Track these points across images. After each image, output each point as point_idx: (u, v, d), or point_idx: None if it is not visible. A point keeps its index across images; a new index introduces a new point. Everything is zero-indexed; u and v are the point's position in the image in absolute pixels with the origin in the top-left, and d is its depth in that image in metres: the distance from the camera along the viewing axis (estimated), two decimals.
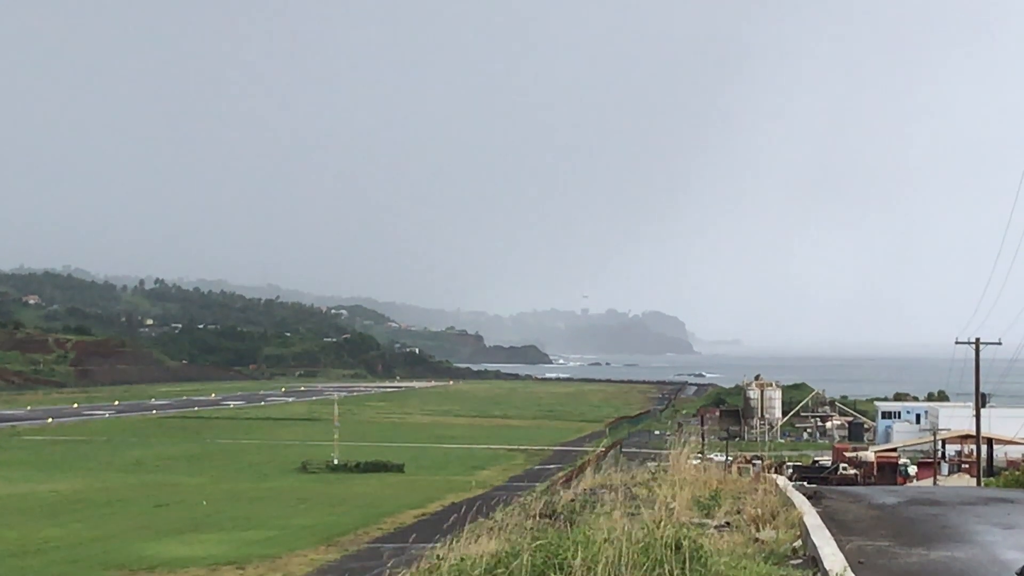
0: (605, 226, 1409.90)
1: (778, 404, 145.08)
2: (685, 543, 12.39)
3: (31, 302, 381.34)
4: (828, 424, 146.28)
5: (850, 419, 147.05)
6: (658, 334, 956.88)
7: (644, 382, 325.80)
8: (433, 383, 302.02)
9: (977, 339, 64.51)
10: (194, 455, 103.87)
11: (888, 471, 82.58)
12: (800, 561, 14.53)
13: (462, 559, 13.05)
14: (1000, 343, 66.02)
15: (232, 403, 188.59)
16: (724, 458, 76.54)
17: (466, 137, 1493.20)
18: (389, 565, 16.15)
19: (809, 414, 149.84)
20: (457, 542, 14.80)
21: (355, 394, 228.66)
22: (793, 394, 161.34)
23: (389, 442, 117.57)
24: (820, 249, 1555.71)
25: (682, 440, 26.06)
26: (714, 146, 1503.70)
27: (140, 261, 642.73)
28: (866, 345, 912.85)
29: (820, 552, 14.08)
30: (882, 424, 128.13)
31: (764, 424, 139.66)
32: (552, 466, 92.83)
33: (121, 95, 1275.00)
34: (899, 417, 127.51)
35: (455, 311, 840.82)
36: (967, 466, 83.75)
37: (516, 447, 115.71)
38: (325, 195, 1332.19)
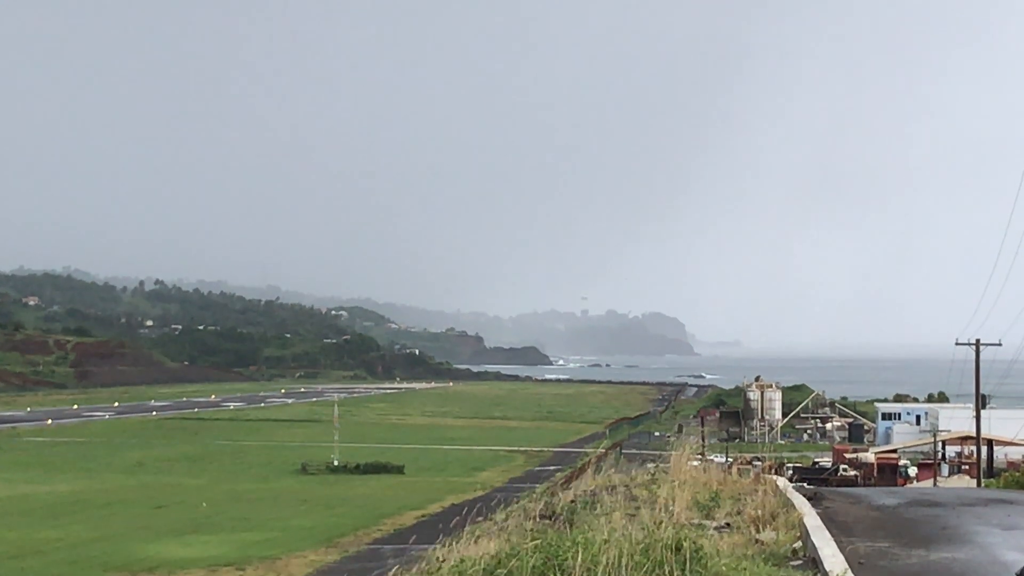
0: (605, 227, 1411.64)
1: (778, 405, 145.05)
2: (685, 544, 12.38)
3: (31, 303, 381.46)
4: (828, 425, 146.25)
5: (850, 420, 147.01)
6: (658, 335, 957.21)
7: (644, 383, 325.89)
8: (433, 384, 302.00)
9: (977, 340, 64.50)
10: (194, 456, 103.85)
11: (888, 472, 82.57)
12: (800, 562, 14.53)
13: (462, 560, 13.04)
14: (1000, 344, 66.00)
15: (232, 404, 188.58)
16: (724, 459, 76.47)
17: (466, 137, 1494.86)
18: (389, 566, 16.14)
19: (809, 415, 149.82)
20: (457, 543, 14.79)
21: (355, 395, 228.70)
22: (793, 395, 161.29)
23: (389, 443, 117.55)
24: (820, 250, 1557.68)
25: (683, 442, 26.08)
26: (714, 146, 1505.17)
27: (140, 262, 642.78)
28: (866, 346, 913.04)
29: (820, 553, 14.07)
30: (882, 425, 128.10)
31: (764, 425, 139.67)
32: (552, 467, 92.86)
33: (121, 95, 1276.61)
34: (899, 418, 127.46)
35: (455, 312, 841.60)
36: (967, 467, 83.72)
37: (516, 448, 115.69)
38: (325, 196, 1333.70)
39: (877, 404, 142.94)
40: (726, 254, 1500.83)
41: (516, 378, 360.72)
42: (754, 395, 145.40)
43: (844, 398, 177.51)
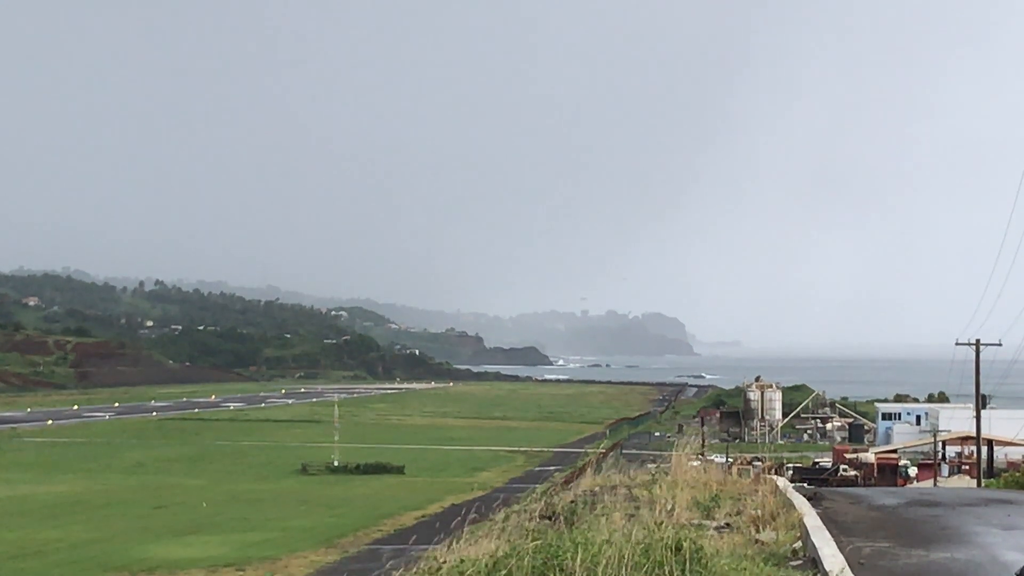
0: (605, 227, 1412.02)
1: (778, 405, 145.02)
2: (685, 544, 12.38)
3: (31, 304, 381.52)
4: (828, 425, 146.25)
5: (850, 420, 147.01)
6: (658, 335, 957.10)
7: (644, 384, 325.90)
8: (433, 385, 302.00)
9: (977, 340, 64.48)
10: (194, 457, 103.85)
11: (888, 472, 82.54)
12: (800, 562, 14.52)
13: (462, 560, 13.03)
14: (1000, 344, 65.97)
15: (232, 405, 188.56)
16: (724, 460, 76.48)
17: (466, 138, 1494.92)
18: (388, 567, 16.12)
19: (809, 415, 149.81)
20: (457, 543, 14.79)
21: (355, 396, 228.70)
22: (793, 395, 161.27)
23: (389, 444, 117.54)
24: (820, 250, 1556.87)
25: (683, 442, 26.07)
26: (714, 146, 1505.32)
27: (140, 263, 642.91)
28: (866, 346, 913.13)
29: (820, 553, 14.07)
30: (882, 425, 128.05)
31: (764, 425, 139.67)
32: (552, 468, 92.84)
33: (121, 95, 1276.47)
34: (899, 418, 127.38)
35: (455, 312, 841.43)
36: (967, 467, 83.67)
37: (516, 449, 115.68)
38: (325, 196, 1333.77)
39: (877, 404, 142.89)
40: (726, 254, 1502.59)
41: (516, 378, 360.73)
42: (754, 395, 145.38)
43: (844, 398, 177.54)
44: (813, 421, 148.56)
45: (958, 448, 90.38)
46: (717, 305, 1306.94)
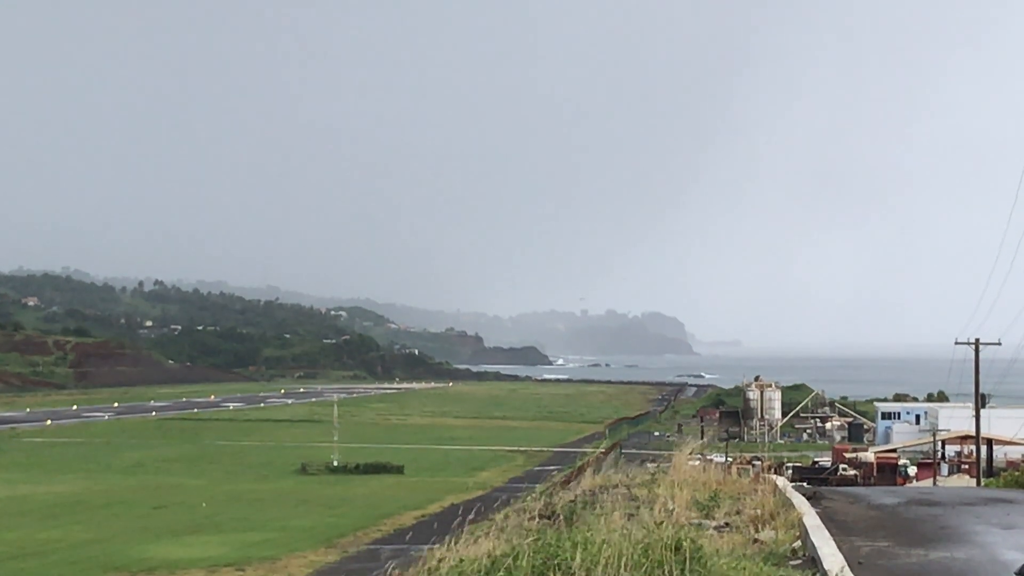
0: (605, 227, 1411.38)
1: (778, 405, 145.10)
2: (685, 544, 12.38)
3: (30, 304, 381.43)
4: (828, 425, 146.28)
5: (850, 420, 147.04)
6: (657, 335, 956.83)
7: (644, 383, 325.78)
8: (433, 384, 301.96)
9: (976, 339, 64.50)
10: (193, 457, 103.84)
11: (888, 472, 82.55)
12: (800, 562, 14.53)
13: (461, 560, 13.04)
14: (999, 343, 65.98)
15: (231, 405, 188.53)
16: (724, 459, 76.51)
17: (466, 138, 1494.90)
18: (389, 567, 16.14)
19: (809, 415, 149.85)
20: (457, 543, 14.79)
21: (354, 396, 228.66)
22: (793, 395, 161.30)
23: (389, 444, 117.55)
24: (820, 250, 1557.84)
25: (684, 441, 26.10)
26: (715, 146, 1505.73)
27: (139, 263, 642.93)
28: (866, 346, 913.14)
29: (819, 552, 14.07)
30: (882, 425, 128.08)
31: (764, 425, 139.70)
32: (552, 467, 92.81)
33: (120, 95, 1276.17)
34: (899, 418, 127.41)
35: (454, 312, 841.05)
36: (967, 467, 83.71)
37: (516, 448, 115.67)
38: (324, 196, 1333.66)
39: (877, 403, 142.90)
40: (726, 254, 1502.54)
41: (516, 378, 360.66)
42: (754, 395, 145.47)
43: (844, 397, 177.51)
44: (812, 420, 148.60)
45: (957, 447, 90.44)
46: (717, 305, 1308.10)
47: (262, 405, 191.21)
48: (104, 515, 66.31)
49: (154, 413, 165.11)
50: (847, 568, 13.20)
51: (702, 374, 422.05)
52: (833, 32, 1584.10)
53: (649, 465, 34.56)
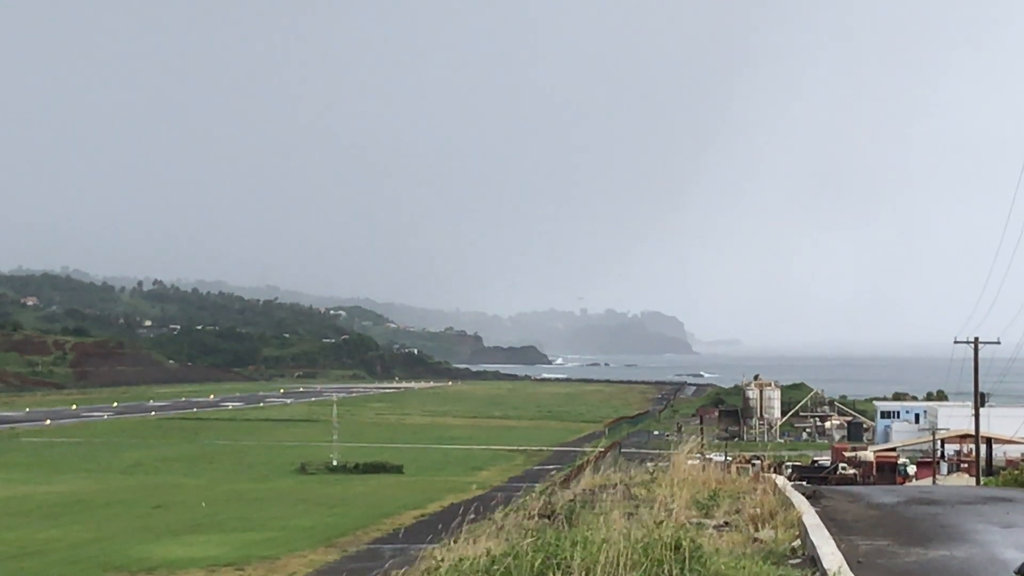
0: (604, 226, 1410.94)
1: (777, 404, 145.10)
2: (684, 543, 12.38)
3: (30, 303, 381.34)
4: (827, 424, 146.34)
5: (849, 419, 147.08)
6: (657, 334, 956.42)
7: (643, 382, 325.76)
8: (432, 384, 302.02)
9: (976, 338, 64.53)
10: (193, 456, 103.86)
11: (887, 471, 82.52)
12: (799, 561, 14.53)
13: (461, 560, 13.04)
14: (999, 342, 65.99)
15: (231, 404, 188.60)
16: (723, 458, 76.54)
17: (465, 137, 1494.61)
18: (389, 566, 16.13)
19: (808, 414, 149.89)
20: (456, 543, 14.80)
21: (354, 395, 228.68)
22: (792, 394, 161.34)
23: (388, 443, 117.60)
24: (820, 249, 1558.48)
25: (683, 440, 26.10)
26: (715, 146, 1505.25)
27: (138, 262, 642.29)
28: (865, 345, 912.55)
29: (819, 551, 14.08)
30: (881, 424, 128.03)
31: (763, 424, 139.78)
32: (551, 466, 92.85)
33: (120, 95, 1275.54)
34: (898, 417, 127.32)
35: (454, 311, 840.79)
36: (966, 465, 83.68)
37: (515, 448, 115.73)
38: (324, 196, 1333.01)
39: (876, 402, 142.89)
40: (726, 253, 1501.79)
41: (515, 377, 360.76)
42: (753, 394, 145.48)
43: (843, 396, 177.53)
44: (812, 419, 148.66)
45: (957, 446, 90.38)
46: (716, 304, 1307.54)
47: (261, 405, 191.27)
48: (104, 515, 66.31)
49: (153, 413, 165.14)
50: (846, 567, 13.20)
51: (701, 373, 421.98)
52: (833, 32, 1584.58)
53: (648, 464, 34.56)
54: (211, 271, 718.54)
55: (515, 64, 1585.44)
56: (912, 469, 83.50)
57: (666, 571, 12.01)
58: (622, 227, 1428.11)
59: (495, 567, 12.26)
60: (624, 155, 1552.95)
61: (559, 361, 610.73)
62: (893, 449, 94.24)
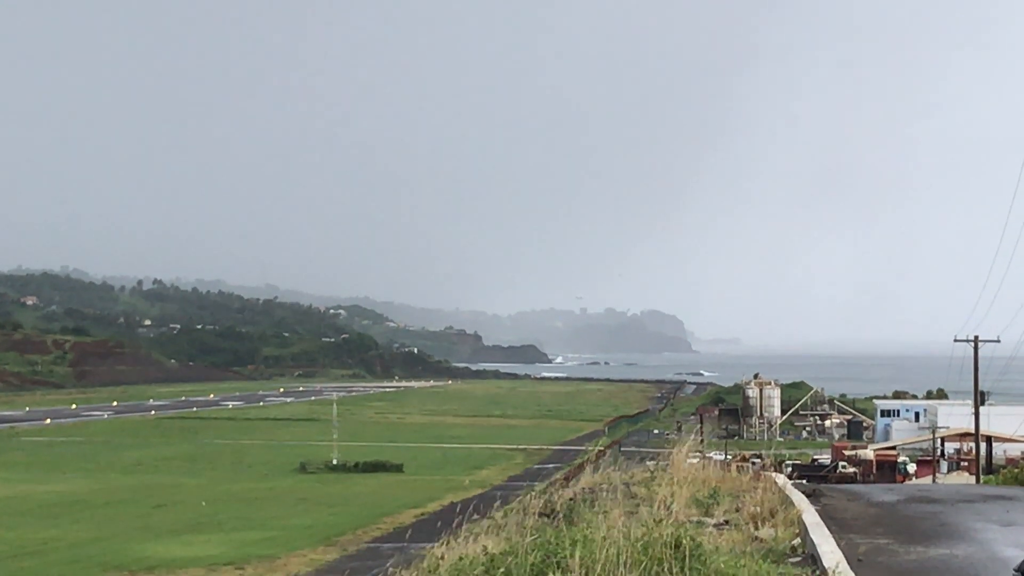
0: (604, 225, 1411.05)
1: (777, 403, 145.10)
2: (684, 541, 12.36)
3: (29, 303, 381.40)
4: (827, 422, 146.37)
5: (849, 417, 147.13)
6: (657, 333, 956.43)
7: (643, 381, 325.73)
8: (432, 383, 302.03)
9: (976, 337, 64.58)
10: (193, 456, 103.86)
11: (887, 469, 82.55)
12: (799, 559, 14.52)
13: (461, 558, 13.03)
14: (999, 341, 66.07)
15: (231, 404, 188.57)
16: (723, 457, 76.56)
17: (465, 137, 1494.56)
18: (389, 565, 16.12)
19: (808, 412, 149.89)
20: (456, 541, 14.79)
21: (354, 394, 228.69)
22: (792, 392, 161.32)
23: (388, 442, 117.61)
24: (820, 248, 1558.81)
25: (683, 439, 26.06)
26: (715, 146, 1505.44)
27: (138, 262, 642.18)
28: (865, 343, 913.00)
29: (819, 550, 14.07)
30: (881, 422, 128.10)
31: (763, 423, 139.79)
32: (551, 465, 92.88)
33: (119, 94, 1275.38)
34: (898, 415, 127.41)
35: (453, 311, 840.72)
36: (966, 464, 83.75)
37: (515, 447, 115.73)
38: (323, 195, 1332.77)
39: (876, 401, 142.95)
40: (726, 252, 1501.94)
41: (515, 376, 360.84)
42: (753, 392, 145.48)
43: (843, 395, 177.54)
44: (812, 418, 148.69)
45: (957, 445, 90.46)
46: (716, 303, 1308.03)
47: (261, 404, 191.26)
48: (104, 514, 66.31)
49: (153, 412, 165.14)
50: (846, 565, 13.19)
51: (701, 372, 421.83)
52: (833, 32, 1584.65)
53: (648, 463, 34.55)
54: (211, 270, 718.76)
55: (515, 64, 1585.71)
56: (912, 467, 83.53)
57: (666, 569, 11.99)
58: (622, 226, 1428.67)
59: (495, 565, 12.25)
60: (624, 154, 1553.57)
61: (559, 360, 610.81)
62: (893, 447, 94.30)
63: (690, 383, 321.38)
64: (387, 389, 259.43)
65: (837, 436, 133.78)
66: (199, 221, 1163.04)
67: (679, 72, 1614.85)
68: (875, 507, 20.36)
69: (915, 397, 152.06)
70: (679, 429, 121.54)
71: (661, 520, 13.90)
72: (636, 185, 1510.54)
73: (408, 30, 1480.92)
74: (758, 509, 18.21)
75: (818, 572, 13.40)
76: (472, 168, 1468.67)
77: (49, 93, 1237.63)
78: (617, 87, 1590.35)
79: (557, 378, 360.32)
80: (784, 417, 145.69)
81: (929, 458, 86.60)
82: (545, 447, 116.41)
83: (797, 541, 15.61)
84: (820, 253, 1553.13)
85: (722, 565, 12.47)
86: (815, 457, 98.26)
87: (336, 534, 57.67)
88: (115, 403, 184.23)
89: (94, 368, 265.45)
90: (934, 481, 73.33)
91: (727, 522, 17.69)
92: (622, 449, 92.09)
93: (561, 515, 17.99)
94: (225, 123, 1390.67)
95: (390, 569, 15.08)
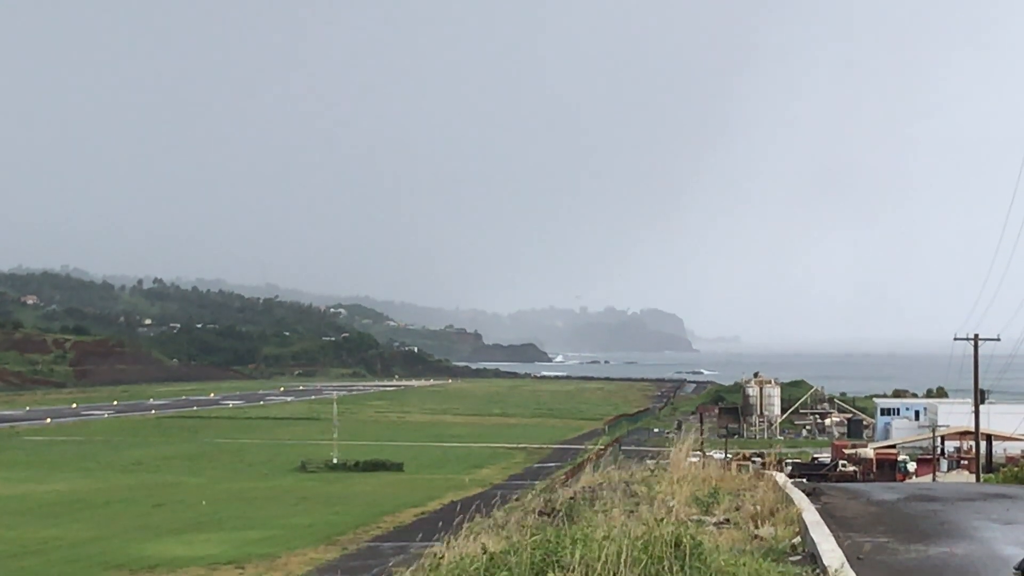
0: (604, 224, 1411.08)
1: (777, 401, 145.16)
2: (684, 540, 12.37)
3: (29, 302, 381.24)
4: (827, 421, 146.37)
5: (849, 416, 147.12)
6: (657, 332, 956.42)
7: (643, 380, 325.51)
8: (432, 382, 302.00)
9: (976, 335, 64.54)
10: (193, 455, 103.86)
11: (887, 468, 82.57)
12: (799, 558, 14.53)
13: (461, 557, 13.04)
14: (999, 339, 66.03)
15: (231, 403, 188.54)
16: (723, 455, 76.58)
17: (465, 135, 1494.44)
18: (389, 564, 16.14)
19: (808, 411, 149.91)
20: (457, 540, 14.80)
21: (354, 393, 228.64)
22: (792, 391, 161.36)
23: (388, 441, 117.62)
24: (820, 247, 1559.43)
25: (682, 438, 26.08)
26: (715, 145, 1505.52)
27: (138, 261, 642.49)
28: (865, 342, 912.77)
29: (819, 548, 14.08)
30: (881, 421, 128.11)
31: (763, 421, 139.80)
32: (551, 464, 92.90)
33: (120, 94, 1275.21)
34: (898, 414, 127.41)
35: (453, 309, 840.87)
36: (966, 462, 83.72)
37: (515, 445, 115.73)
38: (323, 194, 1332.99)
39: (876, 400, 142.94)
40: (726, 251, 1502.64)
41: (515, 375, 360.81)
42: (753, 391, 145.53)
43: (843, 394, 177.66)
44: (812, 417, 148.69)
45: (957, 443, 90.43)
46: (716, 302, 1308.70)
47: (261, 403, 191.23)
48: (104, 513, 66.31)
49: (153, 411, 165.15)
50: (847, 564, 13.20)
51: (701, 371, 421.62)
52: (833, 32, 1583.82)
53: (648, 462, 34.58)
54: (211, 269, 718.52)
55: (515, 64, 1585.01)
56: (912, 466, 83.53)
57: (666, 568, 12.00)
58: (622, 225, 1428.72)
59: (495, 564, 12.26)
60: (624, 153, 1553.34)
61: (559, 359, 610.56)
62: (893, 446, 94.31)
63: (690, 382, 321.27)
64: (387, 388, 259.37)
65: (837, 435, 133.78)
66: (199, 220, 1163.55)
67: (679, 72, 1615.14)
68: (875, 506, 20.37)
69: (915, 395, 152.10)
70: (679, 428, 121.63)
71: (661, 519, 13.92)
72: (636, 185, 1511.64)
73: (408, 30, 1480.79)
74: (758, 508, 18.23)
75: (818, 571, 13.41)
76: (472, 168, 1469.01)
77: (49, 93, 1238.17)
78: (617, 87, 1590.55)
79: (557, 377, 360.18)
80: (784, 416, 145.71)
81: (929, 456, 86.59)
82: (545, 446, 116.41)
83: (797, 540, 15.62)
84: (820, 252, 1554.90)
85: (722, 563, 12.48)
86: (815, 456, 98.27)
87: (337, 533, 57.66)
88: (115, 402, 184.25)
89: (94, 367, 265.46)
90: (934, 479, 73.33)
91: (727, 521, 17.70)
92: (622, 448, 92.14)
93: (562, 514, 18.01)
94: (225, 123, 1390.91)
95: (391, 568, 15.10)
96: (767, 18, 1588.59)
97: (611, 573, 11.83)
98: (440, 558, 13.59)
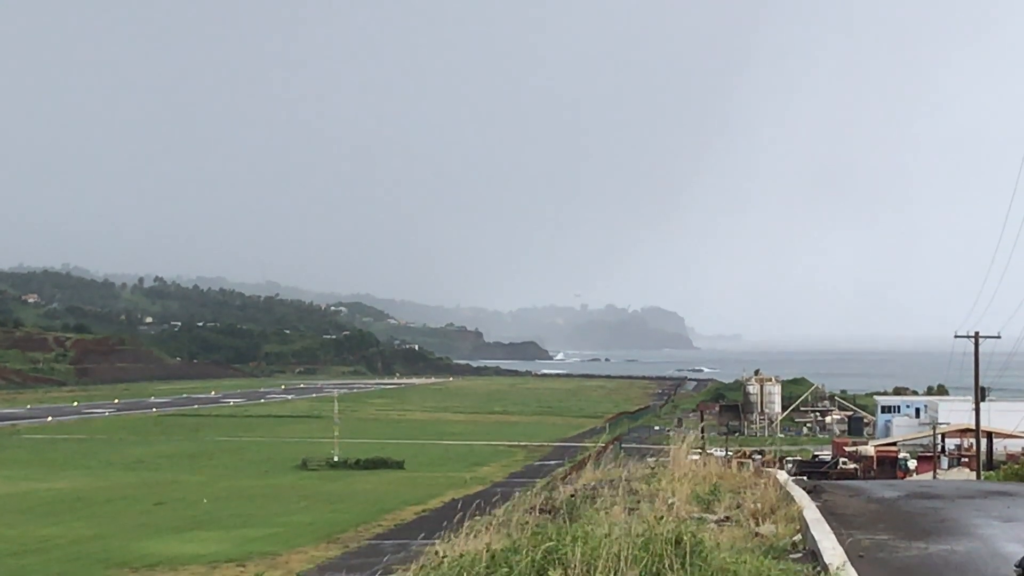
0: (605, 222, 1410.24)
1: (777, 399, 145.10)
2: (685, 538, 12.38)
3: (30, 301, 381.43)
4: (828, 419, 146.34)
5: (850, 413, 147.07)
6: (657, 330, 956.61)
7: (643, 378, 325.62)
8: (433, 380, 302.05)
9: (976, 333, 64.56)
10: (194, 453, 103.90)
11: (888, 465, 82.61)
12: (800, 555, 14.55)
13: (462, 555, 13.05)
14: (999, 337, 66.07)
15: (232, 401, 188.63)
16: (724, 453, 76.60)
17: (466, 134, 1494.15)
18: (389, 562, 16.15)
19: (809, 409, 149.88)
20: (458, 538, 14.80)
21: (355, 391, 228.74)
22: (793, 389, 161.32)
23: (389, 439, 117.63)
24: (820, 245, 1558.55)
25: (683, 435, 26.10)
26: (716, 144, 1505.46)
27: (139, 259, 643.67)
28: (866, 340, 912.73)
29: (820, 546, 14.09)
30: (882, 418, 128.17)
31: (764, 419, 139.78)
32: (552, 462, 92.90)
33: (120, 93, 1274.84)
34: (899, 411, 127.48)
35: (454, 307, 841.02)
36: (967, 460, 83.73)
37: (516, 443, 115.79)
38: (324, 193, 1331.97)
39: (876, 397, 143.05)
40: (726, 249, 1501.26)
41: (516, 373, 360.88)
42: (753, 389, 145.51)
43: (844, 391, 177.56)
44: (812, 414, 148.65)
45: (957, 441, 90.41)
46: (717, 299, 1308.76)
47: (262, 401, 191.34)
48: (105, 511, 66.32)
49: (154, 409, 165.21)
50: (847, 562, 13.21)
51: (702, 368, 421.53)
52: (834, 31, 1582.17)
53: (649, 459, 34.61)
54: (212, 268, 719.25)
55: (516, 63, 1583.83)
56: (912, 464, 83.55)
57: (667, 566, 12.02)
58: (623, 224, 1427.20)
59: (496, 562, 12.27)
60: (625, 152, 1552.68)
61: (559, 357, 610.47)
62: (894, 444, 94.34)
63: (691, 379, 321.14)
64: (388, 386, 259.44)
65: (838, 432, 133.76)
66: (200, 219, 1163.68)
67: (679, 72, 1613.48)
68: (876, 503, 20.38)
69: (916, 393, 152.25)
70: (680, 425, 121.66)
71: (662, 516, 13.93)
72: (636, 184, 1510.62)
73: (407, 30, 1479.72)
74: (759, 505, 18.24)
75: (819, 568, 13.43)
76: (472, 166, 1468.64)
77: (49, 93, 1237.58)
78: (617, 87, 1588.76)
79: (558, 375, 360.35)
80: (785, 413, 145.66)
81: (930, 454, 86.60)
82: (546, 444, 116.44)
83: (798, 537, 15.63)
84: (821, 251, 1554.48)
85: (723, 561, 12.49)
86: (816, 453, 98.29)
87: (338, 531, 57.66)
88: (116, 400, 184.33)
89: (95, 365, 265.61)
90: (935, 477, 73.34)
91: (728, 518, 17.71)
92: (623, 445, 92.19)
93: (562, 512, 18.01)
94: (226, 121, 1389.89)
95: (392, 566, 15.10)
96: (767, 18, 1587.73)
97: (612, 571, 11.84)
98: (441, 556, 13.60)
